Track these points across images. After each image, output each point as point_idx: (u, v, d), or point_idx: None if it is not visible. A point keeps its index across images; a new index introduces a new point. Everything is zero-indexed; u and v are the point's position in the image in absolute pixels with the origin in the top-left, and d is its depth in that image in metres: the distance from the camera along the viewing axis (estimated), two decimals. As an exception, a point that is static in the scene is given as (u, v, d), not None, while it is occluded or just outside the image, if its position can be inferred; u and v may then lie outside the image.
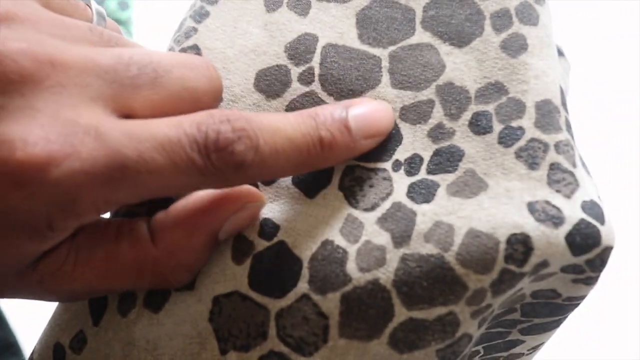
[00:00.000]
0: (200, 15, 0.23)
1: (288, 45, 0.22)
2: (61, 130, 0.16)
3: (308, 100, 0.21)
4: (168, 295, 0.20)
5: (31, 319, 0.73)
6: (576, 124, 0.78)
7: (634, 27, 0.80)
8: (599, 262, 0.19)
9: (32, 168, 0.15)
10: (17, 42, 0.16)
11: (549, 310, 0.21)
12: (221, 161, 0.17)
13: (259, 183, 0.21)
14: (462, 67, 0.21)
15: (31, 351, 0.23)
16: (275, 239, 0.20)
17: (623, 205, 0.73)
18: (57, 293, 0.18)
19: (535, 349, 0.24)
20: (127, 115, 0.18)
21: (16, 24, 0.17)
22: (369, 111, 0.20)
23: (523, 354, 0.24)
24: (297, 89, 0.21)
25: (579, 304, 0.21)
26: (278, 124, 0.18)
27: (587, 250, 0.18)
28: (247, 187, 0.20)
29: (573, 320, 0.71)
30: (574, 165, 0.20)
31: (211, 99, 0.19)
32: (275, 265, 0.19)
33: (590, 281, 0.20)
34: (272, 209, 0.20)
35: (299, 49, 0.22)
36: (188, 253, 0.19)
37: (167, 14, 1.11)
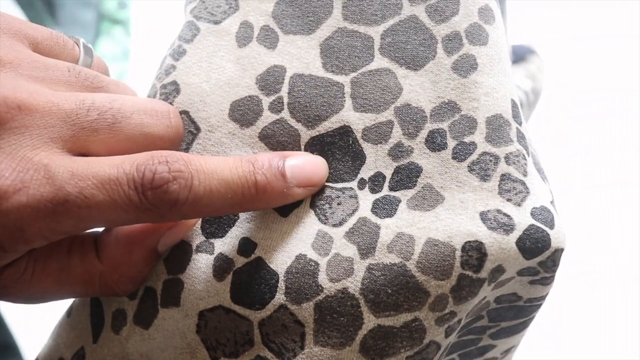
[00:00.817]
0: (178, 54, 0.24)
1: (259, 77, 0.23)
2: (15, 167, 0.18)
3: (279, 127, 0.23)
4: (156, 312, 0.22)
5: (30, 320, 0.76)
6: (546, 122, 0.79)
7: (604, 26, 0.80)
8: (551, 264, 0.21)
9: None
10: None
11: (513, 313, 0.23)
12: (156, 198, 0.19)
13: None
14: (417, 89, 0.22)
15: None
16: (253, 256, 0.22)
17: (592, 203, 0.74)
18: (18, 296, 0.21)
19: (507, 352, 0.25)
20: (83, 154, 0.20)
21: None
22: (304, 163, 0.22)
23: (497, 358, 0.26)
24: (268, 117, 0.23)
25: (540, 304, 0.23)
26: (216, 167, 0.20)
27: (538, 253, 0.20)
28: None
29: (573, 323, 0.72)
30: (525, 174, 0.21)
31: (167, 143, 0.21)
32: (254, 279, 0.21)
33: (546, 281, 0.21)
34: (250, 229, 0.22)
35: (269, 80, 0.23)
36: (129, 267, 0.22)
37: (166, 13, 1.12)
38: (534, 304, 0.23)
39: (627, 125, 0.72)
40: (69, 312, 0.25)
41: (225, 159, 0.21)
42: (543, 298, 0.22)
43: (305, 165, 0.21)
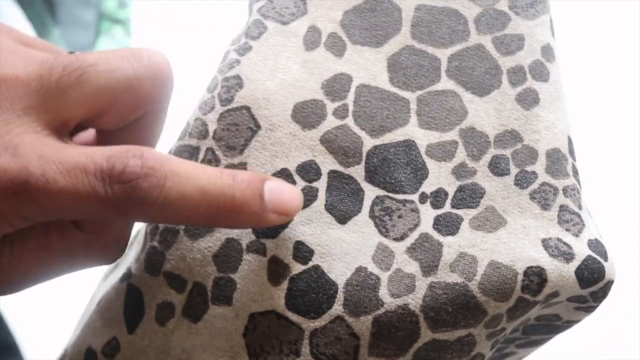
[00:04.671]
0: (244, 50, 0.23)
1: (325, 82, 0.22)
2: None
3: (342, 132, 0.21)
4: (207, 307, 0.20)
5: (30, 319, 0.71)
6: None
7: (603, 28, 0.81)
8: (601, 294, 0.20)
9: None
10: None
11: (548, 330, 0.22)
12: (123, 194, 0.17)
13: None
14: (482, 114, 0.21)
15: (61, 354, 0.23)
16: (311, 263, 0.20)
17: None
18: (1, 285, 0.18)
19: (522, 358, 0.25)
20: (64, 123, 0.18)
21: None
22: (282, 189, 0.19)
23: None
24: (332, 121, 0.21)
25: (573, 326, 0.22)
26: (194, 172, 0.18)
27: (593, 284, 0.20)
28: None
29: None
30: (580, 208, 0.21)
31: (150, 85, 0.18)
32: (311, 288, 0.20)
33: (591, 309, 0.21)
34: (304, 232, 0.20)
35: (335, 87, 0.22)
36: (113, 229, 0.19)
37: (167, 13, 1.08)
38: (568, 325, 0.22)
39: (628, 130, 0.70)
40: (99, 301, 0.22)
41: (206, 167, 0.18)
42: (579, 321, 0.22)
43: (283, 192, 0.19)
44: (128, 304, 0.21)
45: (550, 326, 0.22)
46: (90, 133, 0.21)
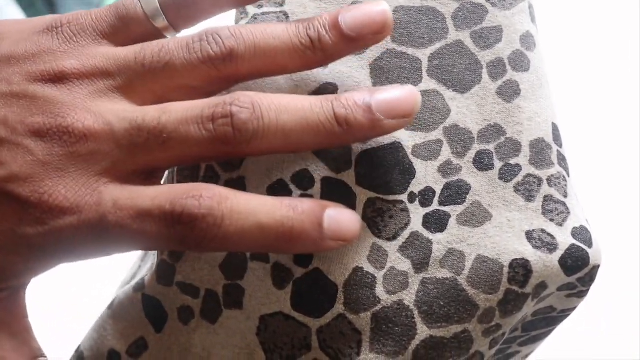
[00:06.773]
0: None
1: (311, 93, 0.22)
2: (77, 192, 0.19)
3: None
4: (221, 311, 0.22)
5: (31, 319, 0.73)
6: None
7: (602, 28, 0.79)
8: (589, 279, 0.21)
9: (49, 215, 0.19)
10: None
11: (545, 323, 0.23)
12: (183, 234, 0.18)
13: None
14: (464, 110, 0.22)
15: (76, 357, 0.24)
16: (311, 267, 0.21)
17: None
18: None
19: (527, 355, 0.26)
20: (147, 170, 0.20)
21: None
22: (342, 217, 0.20)
23: None
24: None
25: (570, 314, 0.23)
26: (253, 207, 0.19)
27: (578, 271, 0.20)
28: None
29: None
30: (565, 195, 0.21)
31: (220, 145, 0.19)
32: (313, 290, 0.21)
33: (582, 294, 0.21)
34: None
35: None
36: None
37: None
38: (565, 314, 0.23)
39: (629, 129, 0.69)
40: (111, 305, 0.24)
41: (266, 200, 0.19)
42: (574, 308, 0.22)
43: (342, 219, 0.19)
44: (148, 310, 0.23)
45: (548, 319, 0.23)
46: None
